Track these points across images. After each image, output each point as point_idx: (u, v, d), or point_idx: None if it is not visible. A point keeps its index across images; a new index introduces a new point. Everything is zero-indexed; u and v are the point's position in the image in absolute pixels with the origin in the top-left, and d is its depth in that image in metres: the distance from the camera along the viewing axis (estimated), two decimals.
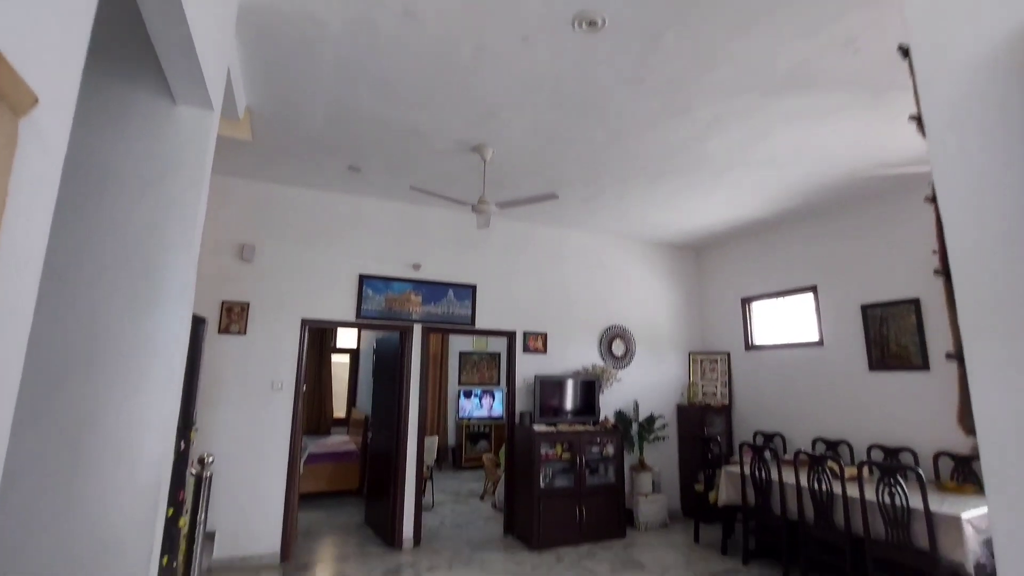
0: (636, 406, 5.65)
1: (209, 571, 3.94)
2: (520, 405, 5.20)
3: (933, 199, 1.37)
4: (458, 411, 8.76)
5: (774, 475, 4.09)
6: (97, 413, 1.67)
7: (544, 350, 5.42)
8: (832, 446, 4.58)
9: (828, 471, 3.69)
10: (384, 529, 4.70)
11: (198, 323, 2.24)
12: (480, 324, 5.19)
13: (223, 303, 4.30)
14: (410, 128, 3.51)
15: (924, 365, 4.11)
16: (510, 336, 5.31)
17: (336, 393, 8.12)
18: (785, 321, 5.43)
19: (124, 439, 1.70)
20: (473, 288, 5.21)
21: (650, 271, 6.23)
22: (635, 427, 5.50)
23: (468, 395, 8.87)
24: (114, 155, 1.83)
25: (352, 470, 6.48)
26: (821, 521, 3.70)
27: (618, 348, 5.82)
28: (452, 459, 8.58)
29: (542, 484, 4.70)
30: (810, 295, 5.12)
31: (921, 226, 4.22)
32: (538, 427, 4.85)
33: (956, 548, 3.01)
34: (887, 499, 3.28)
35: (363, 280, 4.79)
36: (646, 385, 5.90)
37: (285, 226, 4.61)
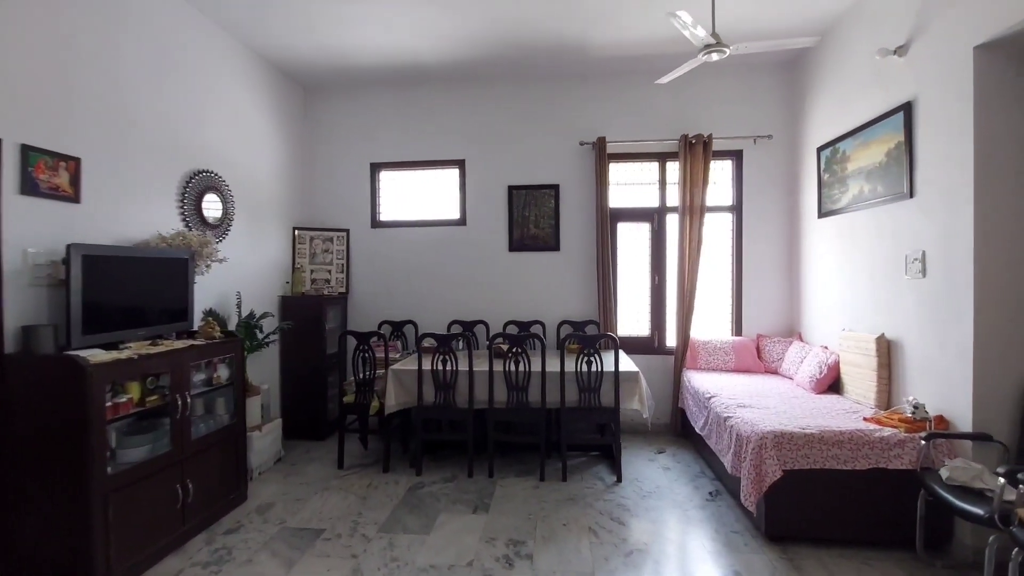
0: (239, 299, 3.66)
1: None
2: (18, 312, 2.27)
3: None
4: None
5: (463, 365, 3.57)
6: None
7: (75, 195, 2.54)
8: (468, 327, 4.47)
9: (525, 352, 3.51)
10: None
11: None
12: None
13: None
14: None
15: (556, 246, 4.53)
16: None
17: None
18: (421, 196, 4.78)
19: None
20: None
21: (251, 99, 4.01)
22: (239, 332, 3.57)
23: None
24: None
25: None
26: (514, 400, 3.51)
27: (212, 208, 3.51)
28: None
29: (110, 468, 2.29)
30: (456, 170, 4.66)
31: (571, 118, 4.49)
32: (91, 355, 2.26)
33: (633, 398, 3.49)
34: (584, 368, 3.42)
35: None
36: (248, 269, 3.91)
37: None
